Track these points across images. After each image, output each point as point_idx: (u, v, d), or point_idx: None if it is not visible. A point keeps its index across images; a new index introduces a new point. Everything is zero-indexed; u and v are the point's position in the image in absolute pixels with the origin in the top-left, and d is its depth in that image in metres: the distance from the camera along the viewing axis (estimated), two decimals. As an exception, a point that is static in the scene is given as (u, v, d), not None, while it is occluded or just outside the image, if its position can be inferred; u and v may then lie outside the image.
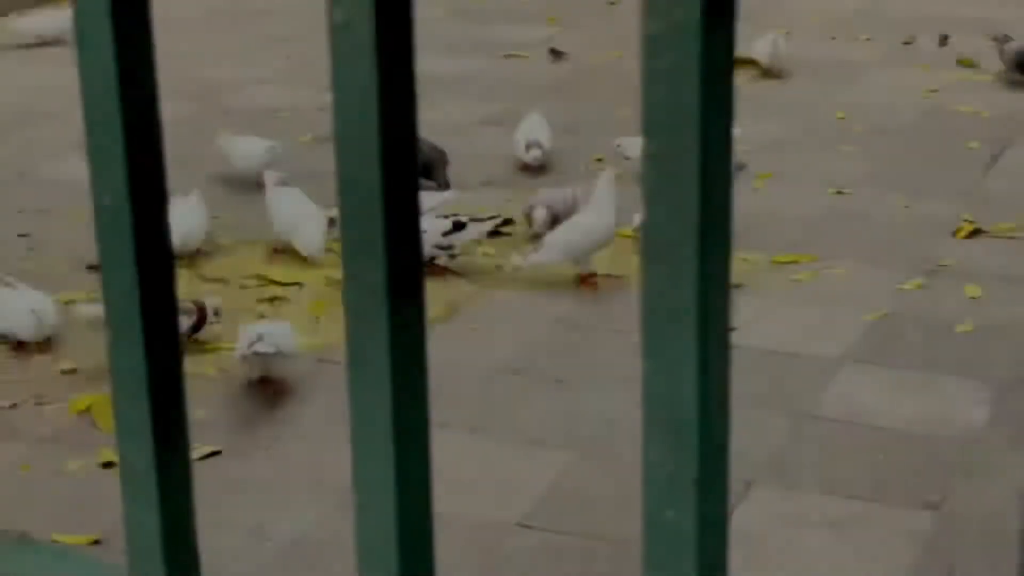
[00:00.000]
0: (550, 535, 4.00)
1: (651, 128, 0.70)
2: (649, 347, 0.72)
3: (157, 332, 0.87)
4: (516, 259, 5.58)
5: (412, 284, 0.81)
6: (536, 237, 5.84)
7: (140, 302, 0.86)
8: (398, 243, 0.80)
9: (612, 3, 9.98)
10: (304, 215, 5.69)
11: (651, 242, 0.71)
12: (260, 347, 4.63)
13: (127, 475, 0.94)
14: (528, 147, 6.66)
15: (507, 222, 6.00)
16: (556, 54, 8.81)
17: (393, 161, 0.77)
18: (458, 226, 5.59)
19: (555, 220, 5.89)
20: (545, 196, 6.05)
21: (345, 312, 0.81)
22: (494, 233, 5.92)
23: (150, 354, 0.87)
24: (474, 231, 5.66)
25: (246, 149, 6.52)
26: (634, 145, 6.68)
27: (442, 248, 5.54)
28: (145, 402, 0.88)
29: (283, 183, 5.88)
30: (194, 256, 5.74)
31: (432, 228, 5.50)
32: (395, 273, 0.79)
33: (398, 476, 0.86)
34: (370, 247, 0.79)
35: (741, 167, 6.49)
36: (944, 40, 8.90)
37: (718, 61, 0.68)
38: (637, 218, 5.83)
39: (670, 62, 0.68)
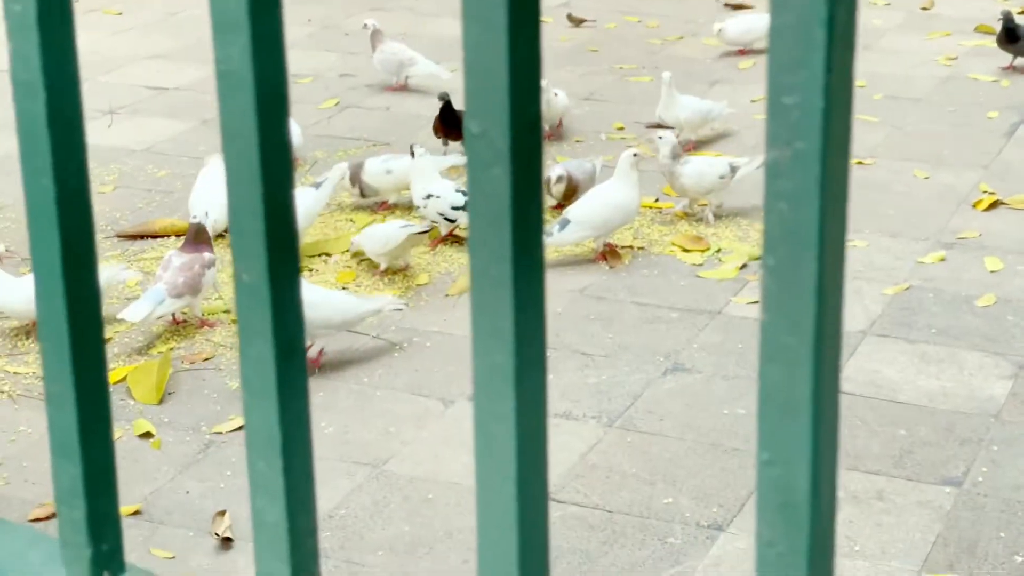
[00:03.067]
0: (578, 508, 4.08)
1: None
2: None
3: (285, 302, 0.94)
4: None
5: (533, 247, 0.87)
6: (557, 207, 5.91)
7: (269, 280, 0.93)
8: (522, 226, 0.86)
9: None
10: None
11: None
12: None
13: (252, 437, 1.02)
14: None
15: None
16: (575, 20, 8.84)
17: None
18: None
19: (574, 190, 5.93)
20: (564, 165, 6.09)
21: (471, 275, 0.88)
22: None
23: (277, 322, 0.94)
24: None
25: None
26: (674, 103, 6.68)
27: (448, 220, 5.61)
28: (271, 367, 0.95)
29: None
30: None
31: (445, 196, 5.59)
32: (519, 241, 0.85)
33: (518, 442, 0.92)
34: (497, 228, 0.85)
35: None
36: None
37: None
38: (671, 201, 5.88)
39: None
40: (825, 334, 0.76)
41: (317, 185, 5.76)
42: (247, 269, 0.93)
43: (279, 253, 0.92)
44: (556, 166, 6.09)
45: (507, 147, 0.81)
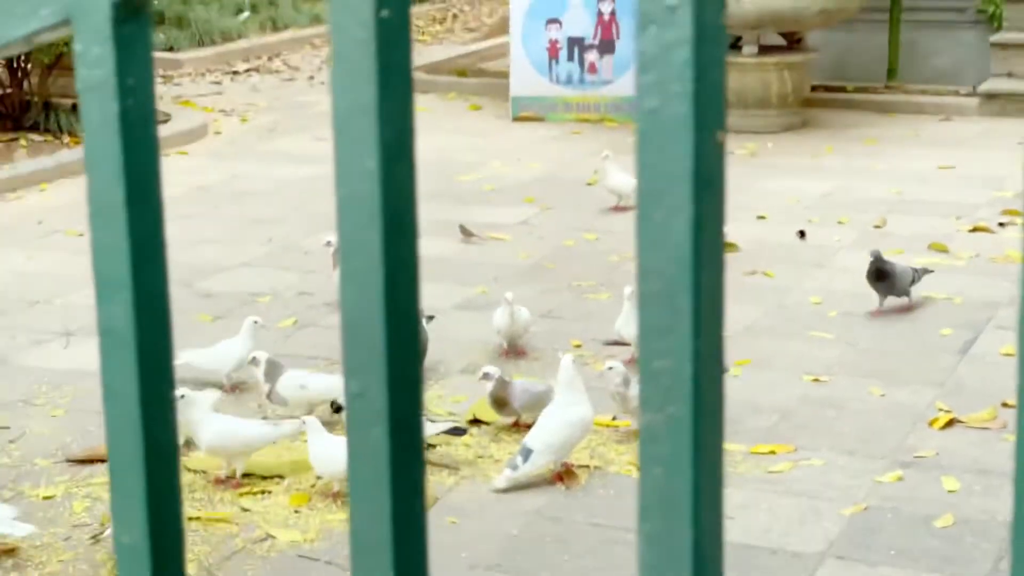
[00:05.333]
0: None
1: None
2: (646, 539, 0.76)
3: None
4: (500, 479, 5.50)
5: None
6: (515, 425, 5.90)
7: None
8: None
9: (590, 184, 10.14)
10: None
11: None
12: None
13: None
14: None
15: (460, 431, 5.77)
16: (466, 233, 8.95)
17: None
18: None
19: (504, 401, 5.90)
20: (519, 382, 6.08)
21: (350, 538, 0.85)
22: (457, 432, 5.78)
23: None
24: (427, 431, 5.61)
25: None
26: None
27: None
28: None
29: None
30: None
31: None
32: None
33: None
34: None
35: None
36: (802, 235, 8.99)
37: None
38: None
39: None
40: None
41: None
42: (126, 533, 0.90)
43: (159, 518, 0.89)
44: (493, 369, 6.02)
45: (385, 407, 0.80)
